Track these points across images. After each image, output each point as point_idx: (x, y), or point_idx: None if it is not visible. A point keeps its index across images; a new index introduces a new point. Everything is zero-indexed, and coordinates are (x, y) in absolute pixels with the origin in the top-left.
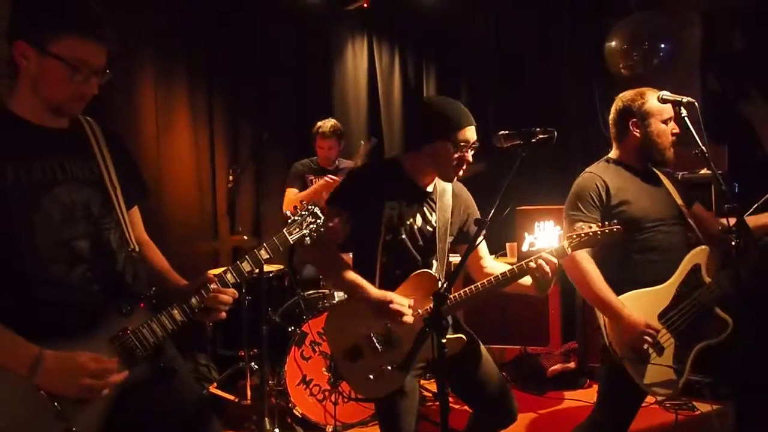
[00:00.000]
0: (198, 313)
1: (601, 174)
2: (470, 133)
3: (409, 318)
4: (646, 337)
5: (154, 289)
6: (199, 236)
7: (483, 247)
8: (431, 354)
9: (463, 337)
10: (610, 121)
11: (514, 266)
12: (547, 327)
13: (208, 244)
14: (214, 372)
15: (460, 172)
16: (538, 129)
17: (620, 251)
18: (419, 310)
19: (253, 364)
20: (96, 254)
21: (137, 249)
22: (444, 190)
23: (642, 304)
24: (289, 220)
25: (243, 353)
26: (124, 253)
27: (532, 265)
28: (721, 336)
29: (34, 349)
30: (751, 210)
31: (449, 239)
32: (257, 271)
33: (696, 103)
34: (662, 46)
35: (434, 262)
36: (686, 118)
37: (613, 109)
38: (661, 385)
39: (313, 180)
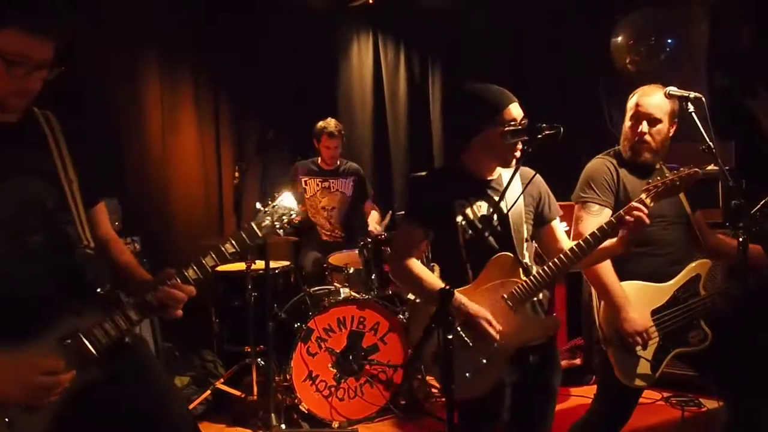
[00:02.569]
0: (153, 309)
1: (612, 161)
2: (515, 110)
3: (495, 336)
4: (638, 338)
5: (108, 286)
6: (205, 233)
7: (559, 230)
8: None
9: (557, 317)
10: None
11: (603, 224)
12: None
13: (213, 241)
14: (221, 368)
15: (518, 153)
16: (544, 125)
17: None
18: (503, 294)
19: (259, 360)
20: (50, 250)
21: (92, 245)
22: (510, 175)
23: (641, 296)
24: (260, 213)
25: (249, 349)
26: (79, 251)
27: (628, 218)
28: (699, 347)
29: None
30: (758, 207)
31: (527, 224)
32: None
33: (703, 99)
34: (668, 41)
35: (516, 248)
36: (693, 114)
37: None
38: (636, 376)
39: (308, 182)
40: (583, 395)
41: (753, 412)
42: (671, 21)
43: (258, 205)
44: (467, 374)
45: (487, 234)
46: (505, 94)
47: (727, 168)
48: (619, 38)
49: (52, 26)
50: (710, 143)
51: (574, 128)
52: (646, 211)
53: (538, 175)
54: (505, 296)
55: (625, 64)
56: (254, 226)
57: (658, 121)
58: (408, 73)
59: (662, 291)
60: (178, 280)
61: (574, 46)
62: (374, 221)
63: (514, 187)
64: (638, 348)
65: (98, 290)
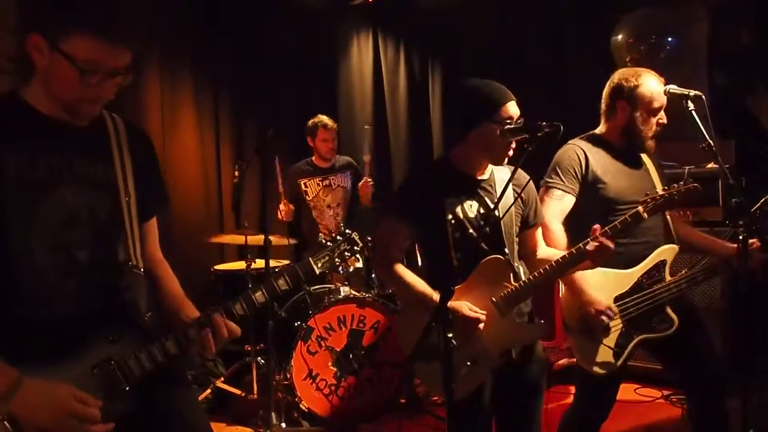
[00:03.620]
0: (193, 346)
1: (582, 146)
2: (513, 108)
3: (480, 325)
4: (603, 318)
5: (149, 314)
6: (204, 232)
7: (539, 235)
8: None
9: (542, 321)
10: (603, 95)
11: (573, 249)
12: (553, 321)
13: (214, 239)
14: (221, 367)
15: (510, 152)
16: (544, 123)
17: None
18: (493, 298)
19: (259, 358)
20: (95, 267)
21: (141, 266)
22: (502, 176)
23: (603, 284)
24: (323, 248)
25: (249, 348)
26: (125, 271)
27: (589, 248)
28: (665, 332)
29: (13, 372)
30: (758, 205)
31: (516, 225)
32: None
33: (703, 97)
34: (669, 40)
35: (506, 249)
36: (693, 112)
37: (607, 84)
38: (597, 365)
39: (308, 183)
40: None
41: (717, 400)
42: (671, 19)
43: (321, 238)
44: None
45: (486, 230)
46: (505, 91)
47: (727, 166)
48: (620, 37)
49: (126, 33)
50: (710, 141)
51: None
52: (606, 241)
53: (527, 177)
54: (495, 299)
55: (626, 62)
56: (312, 262)
57: (665, 109)
58: (408, 71)
59: (626, 277)
60: (224, 315)
61: (574, 44)
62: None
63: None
64: (601, 334)
65: (145, 317)
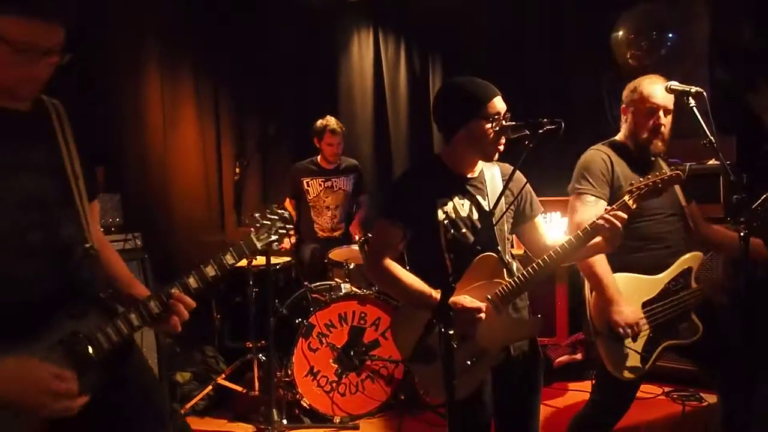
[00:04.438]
0: (154, 319)
1: (606, 152)
2: (499, 103)
3: (482, 315)
4: (628, 330)
5: (110, 290)
6: (206, 229)
7: (542, 227)
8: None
9: (539, 316)
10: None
11: (579, 232)
12: (553, 318)
13: (215, 237)
14: (222, 364)
15: (501, 147)
16: (545, 120)
17: None
18: (488, 295)
19: (260, 355)
20: (49, 248)
21: (95, 245)
22: (492, 173)
23: (632, 288)
24: (258, 224)
25: (250, 345)
26: (80, 250)
27: (601, 222)
28: (690, 339)
29: None
30: (759, 202)
31: (507, 221)
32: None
33: (704, 93)
34: (669, 36)
35: (498, 247)
36: (694, 108)
37: None
38: (625, 368)
39: (310, 183)
40: (583, 390)
41: (745, 401)
42: (672, 15)
43: (257, 215)
44: None
45: (472, 236)
46: (490, 87)
47: (728, 163)
48: (620, 33)
49: (59, 10)
50: (711, 138)
51: (575, 123)
52: (615, 219)
53: (519, 172)
54: (490, 297)
55: (626, 59)
56: (254, 239)
57: (670, 111)
58: (409, 68)
59: (654, 283)
60: (181, 290)
61: (575, 40)
62: (356, 229)
63: (496, 184)
64: (628, 340)
65: (105, 294)
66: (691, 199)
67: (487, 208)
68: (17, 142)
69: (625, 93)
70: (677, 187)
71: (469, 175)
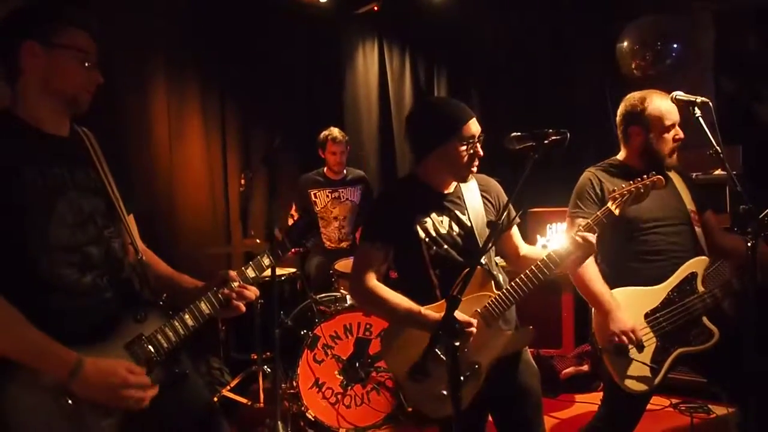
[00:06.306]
0: (222, 307)
1: (596, 172)
2: (474, 126)
3: (472, 329)
4: (624, 338)
5: (165, 295)
6: (212, 241)
7: (518, 238)
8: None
9: (530, 327)
10: (617, 123)
11: (551, 252)
12: (560, 329)
13: (221, 249)
14: (227, 375)
15: (474, 169)
16: (550, 130)
17: (618, 249)
18: (477, 309)
19: (265, 367)
20: (105, 261)
21: (143, 256)
22: (468, 187)
23: (632, 301)
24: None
25: (256, 356)
26: (131, 260)
27: (578, 239)
28: (705, 345)
29: (73, 354)
30: (766, 212)
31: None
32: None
33: (710, 103)
34: (674, 46)
35: (482, 259)
36: (700, 119)
37: (618, 111)
38: (635, 381)
39: (317, 194)
40: (590, 401)
41: (760, 410)
42: (677, 26)
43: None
44: (444, 392)
45: (454, 252)
46: (465, 110)
47: (734, 173)
48: (625, 44)
49: (97, 27)
50: (718, 148)
51: (580, 134)
52: (587, 236)
53: (494, 182)
54: (479, 310)
55: (631, 69)
56: (286, 241)
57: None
58: (414, 79)
59: (655, 293)
60: (240, 280)
61: (580, 51)
62: None
63: (474, 197)
64: (632, 351)
65: (160, 301)
66: (707, 209)
67: (466, 221)
68: (65, 164)
69: (628, 111)
70: (684, 197)
71: (445, 192)
